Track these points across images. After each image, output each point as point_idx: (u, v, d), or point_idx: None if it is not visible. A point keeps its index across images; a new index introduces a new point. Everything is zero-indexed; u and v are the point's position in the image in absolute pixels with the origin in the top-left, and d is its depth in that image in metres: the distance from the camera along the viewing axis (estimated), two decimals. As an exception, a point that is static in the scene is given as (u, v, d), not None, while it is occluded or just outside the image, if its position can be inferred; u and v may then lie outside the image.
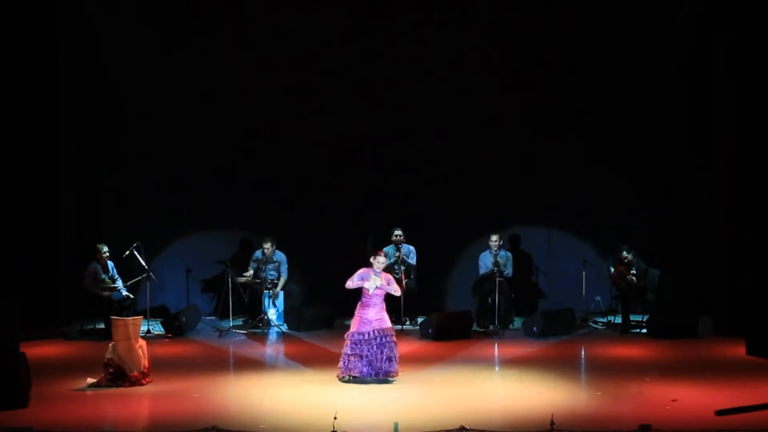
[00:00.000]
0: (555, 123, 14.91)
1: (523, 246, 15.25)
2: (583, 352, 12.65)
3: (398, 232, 14.22)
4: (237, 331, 13.76)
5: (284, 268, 14.33)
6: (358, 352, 10.45)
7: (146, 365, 10.54)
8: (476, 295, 14.50)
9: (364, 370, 10.43)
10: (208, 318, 14.77)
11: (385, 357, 10.47)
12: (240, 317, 14.37)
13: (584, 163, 14.91)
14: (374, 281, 10.51)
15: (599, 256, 14.77)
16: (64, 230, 14.14)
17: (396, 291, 10.78)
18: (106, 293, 13.41)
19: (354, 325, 10.61)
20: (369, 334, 10.47)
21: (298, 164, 15.00)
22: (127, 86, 14.73)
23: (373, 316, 10.54)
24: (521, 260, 14.82)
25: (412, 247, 14.34)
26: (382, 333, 10.50)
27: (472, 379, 10.88)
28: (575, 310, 14.09)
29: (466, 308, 14.10)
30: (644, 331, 13.57)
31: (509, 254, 14.34)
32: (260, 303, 14.00)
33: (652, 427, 8.41)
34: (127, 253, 13.45)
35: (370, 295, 10.56)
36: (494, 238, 14.13)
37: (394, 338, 10.61)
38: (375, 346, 10.45)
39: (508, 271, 14.15)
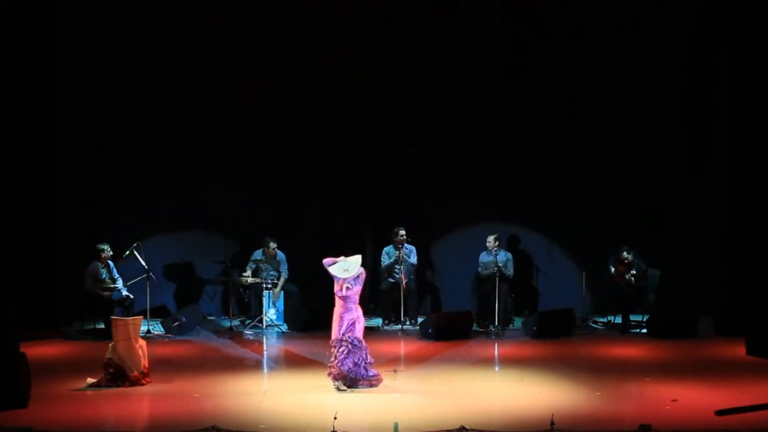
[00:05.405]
0: (556, 125, 14.89)
1: (522, 246, 15.22)
2: (582, 352, 12.64)
3: (402, 231, 14.14)
4: (244, 331, 13.77)
5: (284, 267, 14.31)
6: (338, 355, 10.24)
7: (146, 365, 10.54)
8: (476, 295, 14.50)
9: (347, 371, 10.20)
10: (208, 318, 14.76)
11: (353, 364, 10.21)
12: (239, 317, 14.38)
13: (585, 164, 14.89)
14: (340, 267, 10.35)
15: (599, 257, 14.77)
16: (64, 230, 14.13)
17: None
18: (106, 293, 13.41)
19: (333, 330, 10.39)
20: (346, 337, 10.29)
21: (298, 164, 14.99)
22: (126, 86, 14.70)
23: (347, 319, 10.32)
24: (521, 260, 14.79)
25: (413, 247, 14.32)
26: (354, 340, 10.29)
27: (472, 379, 10.89)
28: (575, 310, 14.09)
29: (466, 308, 14.10)
30: (644, 331, 13.57)
31: (509, 255, 14.34)
32: (260, 303, 14.01)
33: (652, 427, 8.44)
34: (127, 253, 13.46)
35: (344, 297, 10.37)
36: (491, 238, 14.10)
37: (362, 345, 10.30)
38: (347, 352, 10.22)
39: (509, 271, 14.15)
